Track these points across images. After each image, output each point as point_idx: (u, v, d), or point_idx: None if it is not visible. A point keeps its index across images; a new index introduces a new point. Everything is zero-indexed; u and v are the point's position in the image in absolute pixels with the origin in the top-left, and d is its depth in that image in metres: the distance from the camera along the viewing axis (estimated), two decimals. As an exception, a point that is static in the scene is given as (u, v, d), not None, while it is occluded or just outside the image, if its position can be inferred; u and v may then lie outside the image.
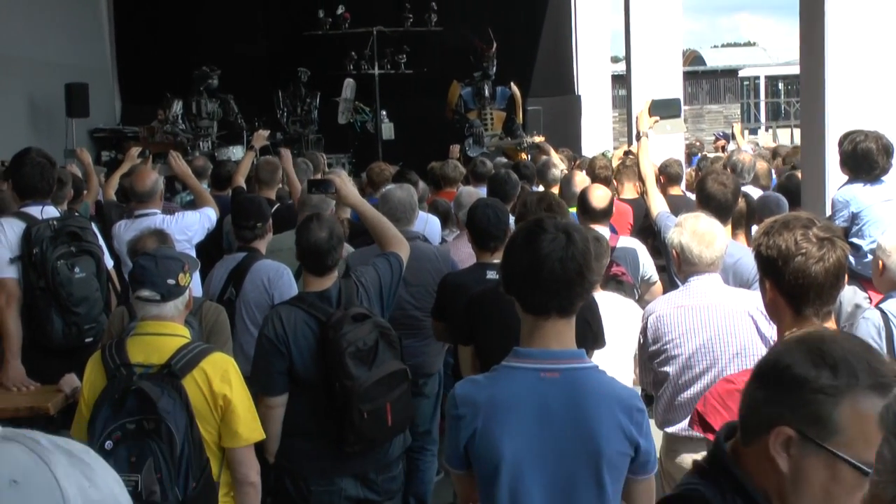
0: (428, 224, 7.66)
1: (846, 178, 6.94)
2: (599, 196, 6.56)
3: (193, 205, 8.40)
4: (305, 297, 4.84)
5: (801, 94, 7.98)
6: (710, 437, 2.95)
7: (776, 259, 2.94)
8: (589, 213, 6.49)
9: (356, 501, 4.88)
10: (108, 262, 6.52)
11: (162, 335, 4.04)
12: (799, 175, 8.12)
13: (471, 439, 2.99)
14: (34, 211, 5.94)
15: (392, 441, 4.89)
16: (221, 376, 3.96)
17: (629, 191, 8.88)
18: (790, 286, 2.94)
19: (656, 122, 6.76)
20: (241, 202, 6.37)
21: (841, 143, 6.86)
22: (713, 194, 5.88)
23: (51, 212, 6.03)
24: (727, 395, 2.96)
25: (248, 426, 4.05)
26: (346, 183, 5.30)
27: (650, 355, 4.82)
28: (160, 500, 3.82)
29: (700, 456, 4.46)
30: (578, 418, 2.96)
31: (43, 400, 5.55)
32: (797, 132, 38.87)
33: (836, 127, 6.95)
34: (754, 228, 6.64)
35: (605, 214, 6.49)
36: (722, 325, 4.63)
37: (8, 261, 5.80)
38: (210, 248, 7.54)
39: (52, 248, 5.82)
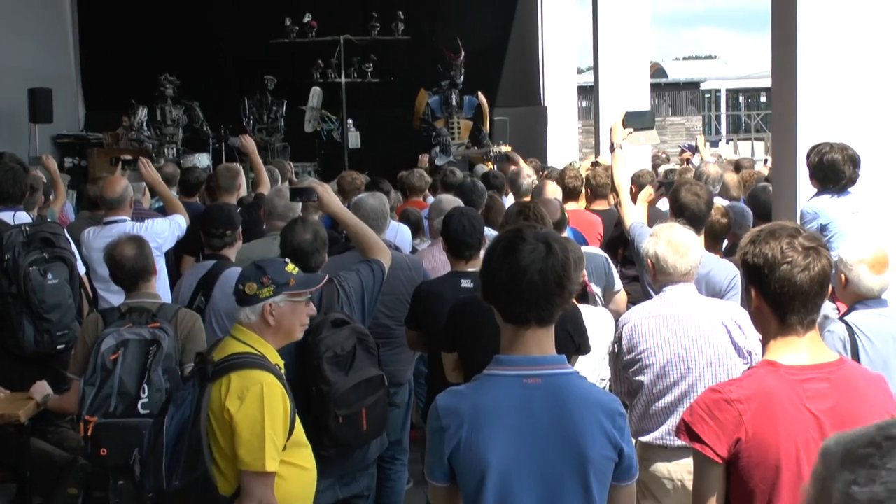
0: (399, 233, 7.66)
1: (815, 190, 7.01)
2: (549, 209, 6.54)
3: (163, 211, 8.37)
4: None
5: (772, 105, 8.06)
6: (698, 446, 2.97)
7: (762, 267, 2.96)
8: None
9: (333, 502, 4.92)
10: (81, 269, 6.47)
11: (231, 336, 4.06)
12: (770, 189, 8.19)
13: (455, 450, 2.97)
14: (6, 216, 5.91)
15: (369, 444, 4.92)
16: (240, 392, 3.83)
17: (599, 202, 8.90)
18: (776, 294, 2.96)
19: (630, 133, 6.81)
20: (210, 210, 6.36)
21: (808, 156, 6.93)
22: (687, 204, 5.92)
23: (23, 217, 6.00)
24: (714, 404, 2.97)
25: (250, 452, 3.81)
26: (327, 191, 5.30)
27: (625, 364, 4.84)
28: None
29: (675, 465, 4.55)
30: (563, 423, 2.96)
31: (14, 408, 5.51)
32: (757, 144, 39.23)
33: (807, 139, 7.02)
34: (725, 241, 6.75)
35: (557, 227, 6.48)
36: (696, 334, 4.67)
37: None
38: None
39: (25, 254, 5.79)
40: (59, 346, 5.95)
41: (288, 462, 3.95)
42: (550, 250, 2.99)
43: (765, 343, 3.08)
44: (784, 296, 2.95)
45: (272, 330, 4.05)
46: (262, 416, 3.82)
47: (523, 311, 3.00)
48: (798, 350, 3.00)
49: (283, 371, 4.04)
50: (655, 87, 40.83)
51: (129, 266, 5.16)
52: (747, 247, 3.02)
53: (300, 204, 6.51)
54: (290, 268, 4.15)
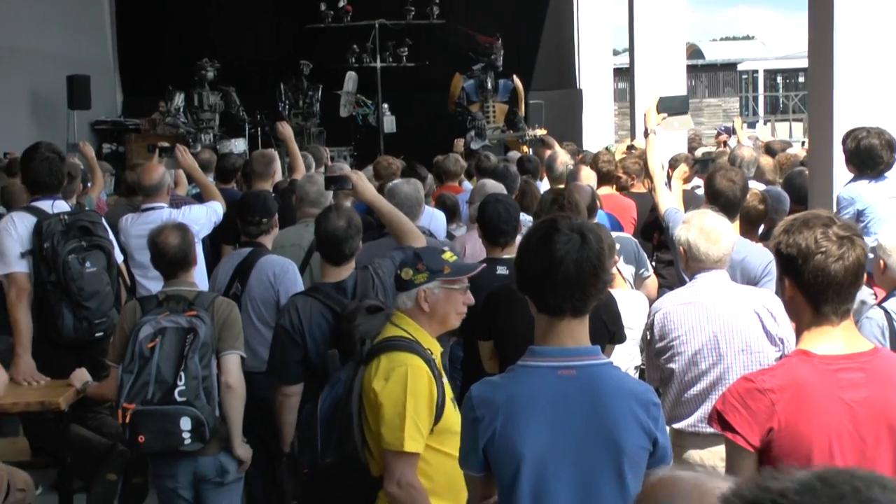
0: (433, 219, 7.67)
1: (852, 175, 6.97)
2: (580, 194, 6.53)
3: (200, 197, 8.42)
4: (322, 287, 4.90)
5: (808, 92, 8.01)
6: (730, 435, 2.97)
7: (796, 257, 2.95)
8: None
9: None
10: (119, 257, 6.53)
11: (390, 321, 4.13)
12: (806, 173, 8.14)
13: (490, 441, 2.99)
14: (45, 205, 5.96)
15: None
16: (386, 373, 3.90)
17: (635, 186, 8.89)
18: (809, 284, 2.95)
19: (664, 118, 6.78)
20: (247, 197, 6.37)
21: (844, 141, 6.89)
22: (722, 190, 5.90)
23: (61, 206, 6.05)
24: (746, 393, 2.97)
25: (391, 431, 3.86)
26: (361, 179, 5.33)
27: (657, 352, 4.85)
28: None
29: (707, 452, 4.54)
30: (598, 414, 2.98)
31: (54, 395, 5.57)
32: (795, 126, 38.96)
33: (843, 125, 6.98)
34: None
35: (589, 211, 6.48)
36: (727, 321, 4.66)
37: (19, 255, 5.83)
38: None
39: (64, 243, 5.84)
40: (97, 334, 6.01)
41: (435, 448, 3.96)
42: (585, 241, 3.00)
43: (799, 332, 3.07)
44: (818, 285, 2.94)
45: (427, 316, 4.08)
46: (405, 396, 3.87)
47: (558, 301, 3.01)
48: (832, 339, 2.99)
49: (437, 357, 4.06)
50: (692, 69, 40.60)
51: (171, 254, 5.20)
52: (781, 236, 3.01)
53: (332, 191, 6.53)
54: (447, 255, 4.17)
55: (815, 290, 2.96)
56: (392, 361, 3.91)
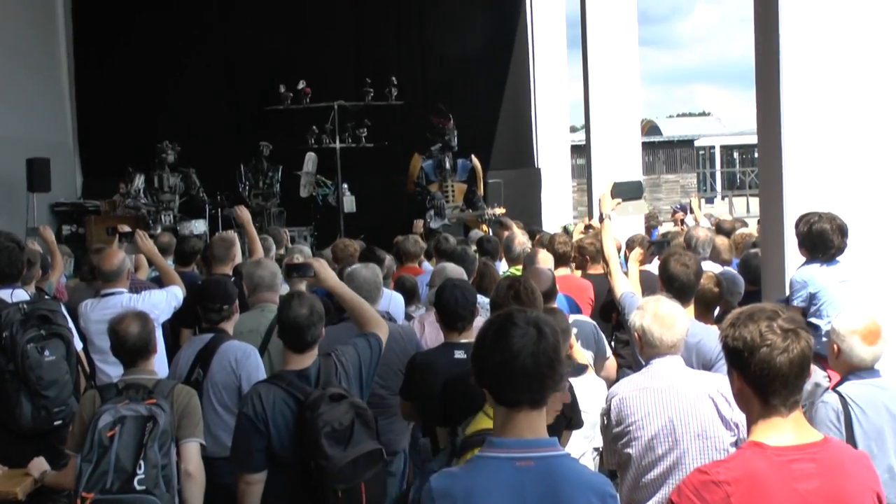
0: (392, 301, 7.72)
1: (804, 258, 7.09)
2: (540, 278, 6.61)
3: (159, 281, 8.43)
4: (284, 375, 4.89)
5: (759, 177, 8.17)
6: None
7: (742, 350, 3.01)
8: None
9: None
10: (78, 345, 6.53)
11: (482, 412, 4.07)
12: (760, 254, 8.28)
13: None
14: (4, 294, 5.98)
15: None
16: None
17: (591, 267, 8.98)
18: (756, 377, 3.00)
19: (619, 203, 6.89)
20: (207, 284, 6.40)
21: (797, 225, 7.02)
22: (676, 275, 6.00)
23: (20, 295, 6.06)
24: (701, 486, 2.99)
25: None
26: (323, 266, 5.36)
27: (614, 437, 4.88)
28: None
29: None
30: None
31: (11, 484, 5.52)
32: (753, 201, 39.39)
33: (794, 208, 7.12)
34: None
35: (547, 296, 6.54)
36: (683, 407, 4.70)
37: None
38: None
39: (23, 332, 5.85)
40: (56, 422, 5.99)
41: None
42: (541, 334, 3.06)
43: (749, 424, 3.10)
44: (765, 378, 2.99)
45: None
46: None
47: (516, 394, 3.05)
48: (782, 431, 3.03)
49: None
50: (649, 145, 41.21)
51: (131, 343, 5.22)
52: (727, 329, 3.07)
53: (285, 274, 6.59)
54: None
55: (762, 383, 3.01)
56: None
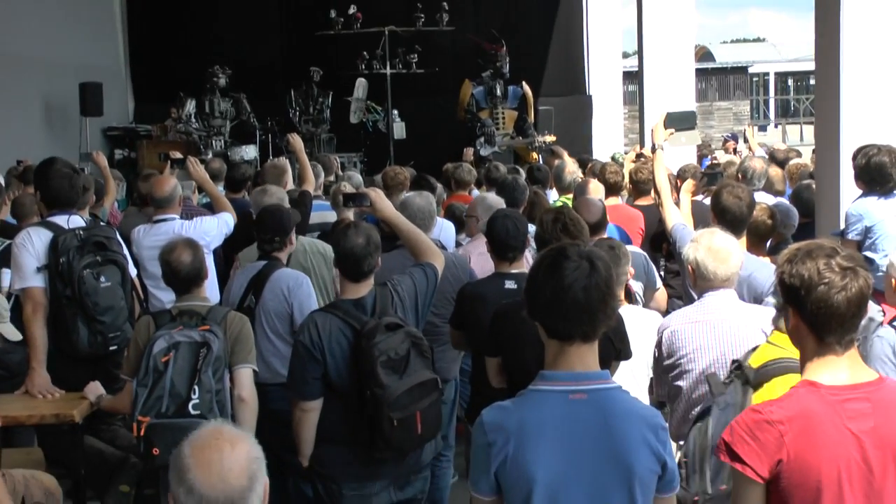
0: (443, 230, 7.72)
1: (860, 191, 7.00)
2: (590, 209, 6.58)
3: (210, 207, 8.49)
4: (341, 304, 4.92)
5: (815, 107, 8.05)
6: (738, 466, 2.99)
7: (799, 288, 2.98)
8: None
9: None
10: (132, 271, 6.59)
11: (768, 342, 4.03)
12: (813, 186, 8.18)
13: (502, 465, 3.03)
14: (60, 220, 6.03)
15: (423, 447, 4.97)
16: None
17: (642, 197, 8.92)
18: (812, 315, 2.98)
19: (671, 134, 6.81)
20: (262, 214, 6.41)
21: (854, 157, 6.93)
22: (728, 207, 5.94)
23: (77, 221, 6.12)
24: (755, 425, 2.98)
25: None
26: (380, 196, 5.35)
27: (664, 369, 4.89)
28: None
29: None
30: (609, 438, 3.03)
31: (68, 407, 5.63)
32: (807, 129, 38.86)
33: (850, 140, 7.03)
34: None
35: (597, 227, 6.51)
36: (734, 341, 4.69)
37: (35, 270, 5.90)
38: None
39: (79, 258, 5.91)
40: (111, 348, 6.07)
41: None
42: (594, 268, 3.06)
43: (803, 362, 3.09)
44: (821, 317, 2.97)
45: None
46: None
47: (568, 328, 3.06)
48: (837, 370, 3.01)
49: None
50: (702, 72, 40.58)
51: (184, 272, 5.28)
52: (784, 266, 3.04)
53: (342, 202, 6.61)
54: None
55: (818, 321, 2.98)
56: (788, 384, 3.86)
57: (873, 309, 5.41)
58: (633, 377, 5.24)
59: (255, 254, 6.54)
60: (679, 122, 6.87)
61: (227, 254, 8.00)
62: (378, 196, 5.34)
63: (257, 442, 2.68)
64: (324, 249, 6.81)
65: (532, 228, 5.84)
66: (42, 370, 5.85)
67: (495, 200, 7.45)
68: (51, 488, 5.33)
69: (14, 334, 5.55)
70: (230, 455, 2.57)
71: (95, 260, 6.01)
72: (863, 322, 5.26)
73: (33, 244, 5.91)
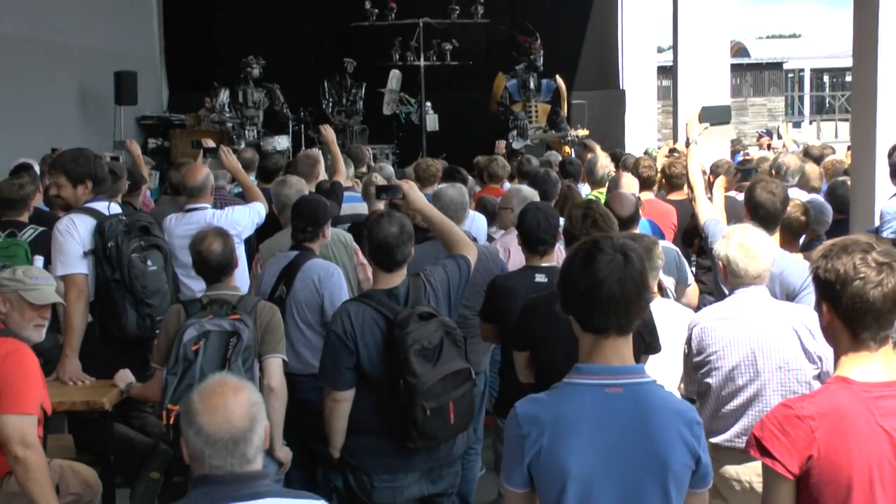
0: (474, 222, 7.71)
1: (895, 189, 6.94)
2: (623, 204, 6.54)
3: (242, 197, 8.51)
4: (374, 294, 4.92)
5: (851, 104, 7.99)
6: (769, 462, 2.97)
7: (834, 283, 2.95)
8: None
9: (419, 498, 4.97)
10: None
11: None
12: (849, 182, 8.11)
13: (535, 458, 3.02)
14: (101, 207, 6.06)
15: (455, 438, 4.96)
16: None
17: (675, 192, 8.87)
18: (847, 310, 2.95)
19: (706, 128, 6.77)
20: (299, 204, 6.40)
21: (890, 155, 6.86)
22: (762, 203, 5.89)
23: (115, 209, 6.17)
24: (786, 420, 2.96)
25: None
26: (413, 189, 5.34)
27: (694, 366, 4.86)
28: None
29: (744, 467, 4.55)
30: (644, 432, 3.01)
31: (98, 395, 5.66)
32: (841, 126, 38.59)
33: (887, 137, 6.97)
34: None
35: (630, 221, 6.48)
36: (765, 338, 4.66)
37: (80, 256, 5.92)
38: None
39: (127, 242, 5.95)
40: (157, 331, 6.10)
41: None
42: (628, 260, 3.05)
43: (836, 358, 3.05)
44: (856, 312, 2.93)
45: None
46: None
47: (602, 320, 3.05)
48: (871, 366, 2.98)
49: None
50: (737, 67, 40.35)
51: (215, 261, 5.29)
52: (819, 261, 3.01)
53: (382, 200, 6.61)
54: None
55: (853, 317, 2.95)
56: None
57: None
58: (664, 372, 5.21)
59: (276, 246, 6.55)
60: (714, 116, 6.83)
61: (258, 243, 8.02)
62: (411, 188, 5.33)
63: (258, 390, 3.14)
64: (345, 238, 6.83)
65: (562, 221, 5.81)
66: (74, 357, 5.87)
67: (530, 192, 7.43)
68: (89, 481, 5.36)
69: (47, 296, 5.55)
70: (233, 400, 2.98)
71: (141, 244, 6.06)
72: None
73: (78, 230, 5.93)
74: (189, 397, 3.06)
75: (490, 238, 7.94)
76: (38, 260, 6.78)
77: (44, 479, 4.55)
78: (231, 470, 3.00)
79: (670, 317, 5.34)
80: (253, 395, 3.06)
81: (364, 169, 10.75)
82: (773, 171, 8.57)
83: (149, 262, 6.07)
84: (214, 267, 5.31)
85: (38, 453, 4.54)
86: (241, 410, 2.99)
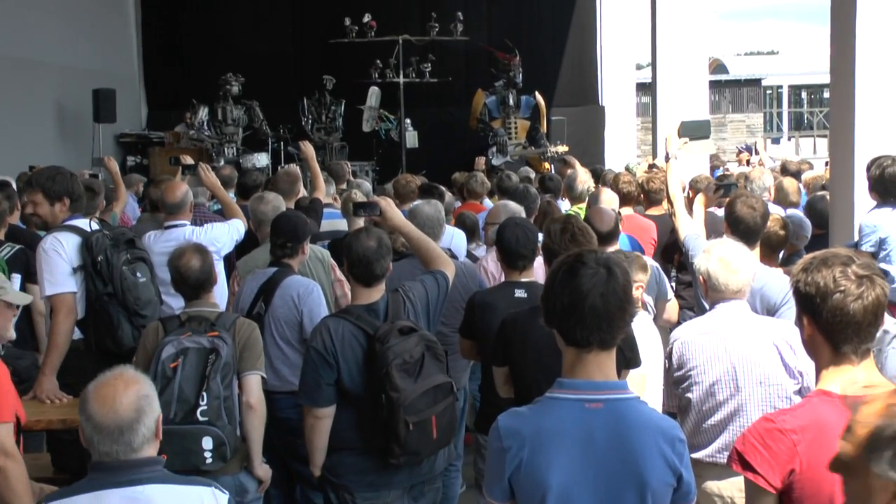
0: (454, 238, 7.70)
1: (874, 203, 6.96)
2: (603, 219, 6.53)
3: (221, 214, 8.47)
4: (353, 309, 4.90)
5: (830, 118, 8.02)
6: (750, 476, 2.96)
7: (814, 296, 2.94)
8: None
9: None
10: None
11: None
12: (827, 197, 8.13)
13: (516, 471, 3.01)
14: (81, 224, 6.02)
15: (437, 454, 4.95)
16: None
17: (654, 207, 8.88)
18: (828, 324, 2.94)
19: (685, 143, 6.77)
20: (279, 221, 6.39)
21: (868, 168, 6.88)
22: (742, 217, 5.89)
23: (94, 225, 6.12)
24: (767, 434, 2.95)
25: None
26: (390, 205, 5.34)
27: (675, 380, 4.85)
28: None
29: (725, 483, 4.54)
30: (624, 448, 3.00)
31: (75, 413, 5.53)
32: (820, 142, 38.75)
33: (865, 152, 7.00)
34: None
35: (610, 236, 6.47)
36: (745, 353, 4.65)
37: (69, 273, 5.86)
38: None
39: (116, 255, 5.91)
40: None
41: None
42: (612, 274, 3.04)
43: (818, 371, 3.05)
44: (837, 325, 2.93)
45: None
46: None
47: (585, 335, 3.04)
48: (853, 379, 2.97)
49: None
50: (715, 84, 40.48)
51: (193, 277, 5.26)
52: (799, 274, 3.00)
53: (360, 217, 6.60)
54: None
55: (833, 330, 2.94)
56: None
57: (889, 321, 5.36)
58: (647, 388, 5.20)
59: (252, 263, 6.52)
60: (693, 130, 6.82)
61: (237, 260, 7.98)
62: (388, 205, 5.33)
63: (152, 383, 3.47)
64: (322, 255, 6.81)
65: (542, 237, 5.81)
66: (52, 376, 5.81)
67: (517, 208, 7.42)
68: None
69: (24, 297, 5.48)
70: (122, 392, 3.28)
71: (128, 257, 6.02)
72: (878, 334, 5.24)
73: (64, 248, 5.86)
74: (86, 388, 3.36)
75: (470, 254, 7.92)
76: (16, 278, 6.72)
77: (24, 490, 4.49)
78: (117, 457, 3.30)
79: (648, 332, 5.33)
80: (143, 389, 3.34)
81: (344, 185, 10.74)
82: (742, 184, 8.59)
83: (138, 274, 6.04)
84: (193, 283, 5.28)
85: (17, 462, 4.47)
86: (129, 402, 3.26)
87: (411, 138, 18.06)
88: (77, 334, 5.99)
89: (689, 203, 7.25)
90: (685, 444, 3.12)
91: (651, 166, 11.72)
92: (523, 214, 7.14)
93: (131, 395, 3.29)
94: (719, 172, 14.70)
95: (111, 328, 5.94)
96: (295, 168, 9.52)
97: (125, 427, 3.26)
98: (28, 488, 4.55)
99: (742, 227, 5.84)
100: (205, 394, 4.97)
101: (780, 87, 52.29)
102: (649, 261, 6.98)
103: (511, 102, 17.99)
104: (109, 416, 3.26)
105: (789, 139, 46.83)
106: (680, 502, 3.10)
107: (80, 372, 5.84)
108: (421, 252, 5.34)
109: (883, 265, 6.74)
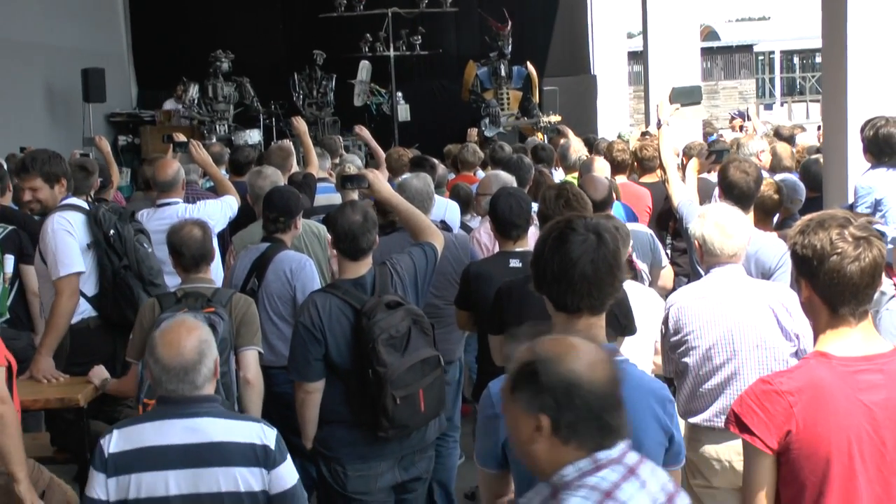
0: (447, 210, 7.68)
1: (868, 165, 6.95)
2: (597, 187, 6.51)
3: (214, 191, 8.44)
4: (340, 284, 4.90)
5: (822, 82, 8.00)
6: (747, 437, 2.96)
7: (811, 258, 2.94)
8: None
9: (393, 484, 4.97)
10: None
11: None
12: (821, 160, 8.12)
13: (508, 437, 3.02)
14: (80, 202, 6.01)
15: (427, 425, 4.96)
16: None
17: (648, 175, 8.86)
18: (826, 286, 2.94)
19: (677, 109, 6.76)
20: (271, 194, 6.37)
21: (862, 130, 6.87)
22: (735, 182, 5.88)
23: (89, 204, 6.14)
24: (764, 396, 2.95)
25: None
26: (378, 178, 5.33)
27: (672, 346, 4.85)
28: None
29: (723, 447, 4.55)
30: None
31: (73, 392, 5.60)
32: (812, 107, 38.71)
33: (858, 114, 6.98)
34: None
35: (603, 204, 6.45)
36: (741, 317, 4.65)
37: (80, 251, 5.84)
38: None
39: (126, 228, 5.92)
40: None
41: None
42: (601, 240, 3.03)
43: (816, 334, 3.04)
44: (834, 287, 2.92)
45: None
46: None
47: (575, 300, 3.04)
48: (850, 341, 2.97)
49: None
50: (707, 51, 40.38)
51: (195, 247, 5.24)
52: (797, 237, 2.99)
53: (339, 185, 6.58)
54: None
55: (831, 292, 2.94)
56: None
57: (885, 282, 5.36)
58: (637, 354, 5.20)
59: (248, 237, 6.50)
60: (685, 96, 6.82)
61: (232, 237, 7.96)
62: (376, 177, 5.33)
63: (210, 329, 3.92)
64: (318, 230, 6.79)
65: (536, 206, 5.79)
66: (49, 355, 5.80)
67: (508, 178, 7.41)
68: (70, 501, 5.29)
69: None
70: (186, 337, 3.71)
71: (134, 230, 6.04)
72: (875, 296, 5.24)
73: (73, 226, 5.84)
74: (153, 334, 3.83)
75: (465, 226, 7.91)
76: (9, 259, 6.71)
77: (15, 433, 4.53)
78: (182, 394, 3.71)
79: (643, 299, 5.33)
80: (203, 334, 3.78)
81: (336, 160, 10.71)
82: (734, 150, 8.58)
83: (145, 245, 6.07)
84: (194, 254, 5.25)
85: (10, 407, 4.51)
86: (192, 346, 3.69)
87: (403, 112, 18.00)
88: (89, 312, 5.98)
89: (683, 169, 7.25)
90: (675, 405, 3.13)
91: (644, 134, 11.70)
92: (514, 184, 7.12)
93: (194, 340, 3.72)
94: (713, 139, 14.68)
95: (132, 300, 5.93)
96: (287, 143, 9.48)
97: (189, 367, 3.68)
98: (19, 432, 4.60)
99: (736, 192, 5.84)
100: (202, 369, 4.97)
101: (772, 52, 52.18)
102: (644, 228, 6.98)
103: (503, 73, 17.91)
104: (176, 359, 3.67)
105: (782, 105, 46.76)
106: (671, 462, 3.10)
107: (90, 350, 5.88)
108: (409, 224, 5.34)
109: (879, 226, 6.73)
